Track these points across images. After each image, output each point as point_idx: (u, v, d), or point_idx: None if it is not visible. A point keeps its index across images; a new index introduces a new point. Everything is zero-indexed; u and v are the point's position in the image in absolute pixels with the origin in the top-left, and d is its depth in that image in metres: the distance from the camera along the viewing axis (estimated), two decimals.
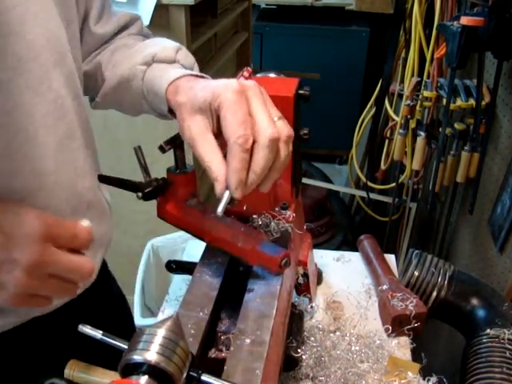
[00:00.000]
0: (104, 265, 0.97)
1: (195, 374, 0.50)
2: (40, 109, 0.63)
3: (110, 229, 0.86)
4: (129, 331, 1.07)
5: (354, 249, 1.22)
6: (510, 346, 0.85)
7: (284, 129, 0.57)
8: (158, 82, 0.70)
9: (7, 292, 0.52)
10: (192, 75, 0.69)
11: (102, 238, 0.83)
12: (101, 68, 0.80)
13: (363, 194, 2.28)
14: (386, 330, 0.93)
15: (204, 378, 0.50)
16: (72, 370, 0.73)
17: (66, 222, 0.55)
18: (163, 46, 0.76)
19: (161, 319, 0.50)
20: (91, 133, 0.79)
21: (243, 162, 0.54)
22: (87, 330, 0.54)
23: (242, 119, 0.55)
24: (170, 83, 0.67)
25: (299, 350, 0.77)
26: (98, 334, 0.54)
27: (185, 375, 0.48)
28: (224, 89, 0.57)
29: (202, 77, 0.70)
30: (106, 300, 0.97)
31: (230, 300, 0.72)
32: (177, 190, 0.71)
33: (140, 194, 0.68)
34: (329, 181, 3.00)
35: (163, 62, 0.74)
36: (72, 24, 0.72)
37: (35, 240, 0.50)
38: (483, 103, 1.38)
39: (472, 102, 1.41)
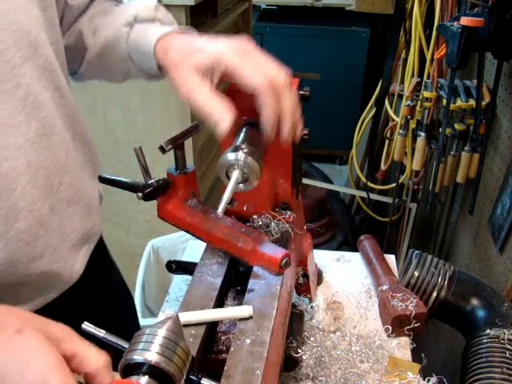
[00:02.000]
0: (102, 253, 0.96)
1: (195, 378, 0.50)
2: (7, 108, 0.61)
3: (98, 222, 0.84)
4: (132, 320, 1.05)
5: (354, 249, 1.22)
6: (509, 347, 0.85)
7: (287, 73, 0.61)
8: (144, 42, 0.70)
9: None
10: (176, 32, 0.69)
11: (88, 233, 0.81)
12: (82, 38, 0.79)
13: (363, 194, 2.28)
14: (386, 330, 0.93)
15: (204, 381, 0.50)
16: None
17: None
18: (142, 5, 0.75)
19: (161, 319, 0.50)
20: (81, 124, 0.77)
21: (276, 102, 0.59)
22: (90, 328, 0.55)
23: (255, 67, 0.59)
24: (157, 41, 0.68)
25: (299, 351, 0.78)
26: (100, 332, 0.54)
27: (185, 375, 0.48)
28: (225, 50, 0.60)
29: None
30: (106, 287, 0.96)
31: (230, 300, 0.72)
32: (177, 191, 0.72)
33: (140, 195, 0.68)
34: (329, 181, 3.01)
35: (145, 22, 0.74)
36: (49, 8, 0.69)
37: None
38: (483, 103, 1.38)
39: (472, 102, 1.41)
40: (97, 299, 0.91)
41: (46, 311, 0.74)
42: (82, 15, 0.81)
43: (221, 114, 0.59)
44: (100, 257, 0.94)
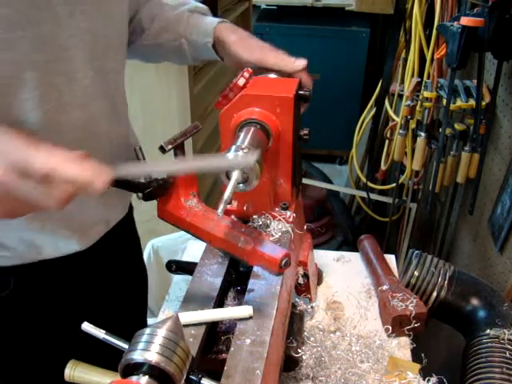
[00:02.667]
0: (130, 233, 1.10)
1: (195, 378, 0.50)
2: (69, 92, 0.73)
3: (129, 206, 1.03)
4: (140, 313, 1.17)
5: (355, 249, 1.22)
6: (509, 347, 0.85)
7: None
8: (204, 24, 0.91)
9: None
10: (227, 23, 0.92)
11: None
12: (141, 23, 0.96)
13: (363, 194, 2.28)
14: (386, 330, 0.93)
15: (204, 381, 0.50)
16: (72, 369, 0.73)
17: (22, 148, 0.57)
18: (196, 3, 0.98)
19: (161, 319, 0.50)
20: (127, 124, 0.96)
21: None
22: (90, 328, 0.55)
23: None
24: (217, 24, 0.90)
25: (299, 351, 0.78)
26: (100, 333, 0.54)
27: (185, 375, 0.48)
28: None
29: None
30: (124, 268, 1.07)
31: (230, 300, 0.72)
32: (177, 190, 0.72)
33: (140, 195, 0.68)
34: (329, 181, 3.00)
35: (201, 13, 0.96)
36: (125, 22, 0.84)
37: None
38: (483, 103, 1.38)
39: (472, 102, 1.41)
40: (111, 274, 1.01)
41: (68, 262, 0.88)
42: (142, 6, 0.98)
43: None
44: (126, 234, 1.06)
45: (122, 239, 1.03)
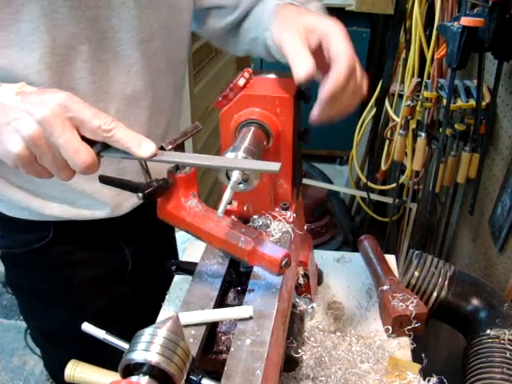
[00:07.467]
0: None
1: (195, 378, 0.50)
2: (115, 67, 0.83)
3: None
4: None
5: (355, 249, 1.22)
6: (510, 347, 0.85)
7: None
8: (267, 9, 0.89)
9: (18, 138, 0.57)
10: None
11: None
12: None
13: (363, 194, 2.28)
14: (387, 330, 0.93)
15: (204, 382, 0.50)
16: (72, 370, 0.73)
17: (89, 106, 0.60)
18: None
19: (161, 319, 0.50)
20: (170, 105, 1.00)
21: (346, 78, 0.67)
22: (90, 329, 0.55)
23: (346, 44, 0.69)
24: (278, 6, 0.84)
25: (300, 351, 0.78)
26: (100, 333, 0.54)
27: (185, 376, 0.48)
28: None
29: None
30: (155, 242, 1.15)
31: (230, 300, 0.72)
32: (177, 191, 0.71)
33: (140, 195, 0.68)
34: (329, 181, 3.00)
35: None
36: (185, 13, 0.92)
37: (56, 104, 0.58)
38: (483, 103, 1.38)
39: (472, 102, 1.41)
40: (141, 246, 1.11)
41: (101, 224, 0.98)
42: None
43: (305, 63, 0.66)
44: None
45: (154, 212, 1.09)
